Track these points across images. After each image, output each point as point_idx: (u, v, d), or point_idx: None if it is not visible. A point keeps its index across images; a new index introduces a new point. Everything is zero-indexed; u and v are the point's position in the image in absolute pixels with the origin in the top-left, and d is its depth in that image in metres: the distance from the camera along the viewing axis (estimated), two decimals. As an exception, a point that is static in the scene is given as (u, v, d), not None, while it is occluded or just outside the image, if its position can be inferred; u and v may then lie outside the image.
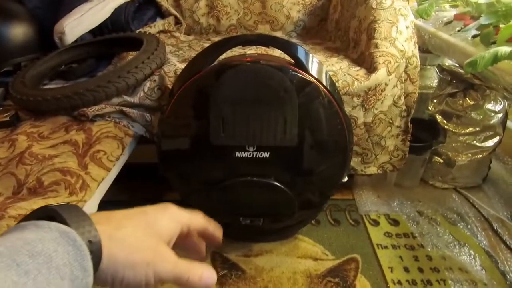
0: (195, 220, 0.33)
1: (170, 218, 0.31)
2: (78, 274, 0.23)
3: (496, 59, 0.65)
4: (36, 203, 0.51)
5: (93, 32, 1.04)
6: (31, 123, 0.75)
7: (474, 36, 0.88)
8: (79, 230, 0.25)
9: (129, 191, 1.05)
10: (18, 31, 0.97)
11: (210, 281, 0.30)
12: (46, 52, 0.96)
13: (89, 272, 0.24)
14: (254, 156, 0.71)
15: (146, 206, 0.31)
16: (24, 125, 0.74)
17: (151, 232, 0.29)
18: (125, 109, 0.79)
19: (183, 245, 0.34)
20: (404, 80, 0.89)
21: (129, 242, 0.27)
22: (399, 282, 0.80)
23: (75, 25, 0.99)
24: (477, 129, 1.02)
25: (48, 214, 0.25)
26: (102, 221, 0.27)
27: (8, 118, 0.76)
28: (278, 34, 1.28)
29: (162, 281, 0.28)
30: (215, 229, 0.35)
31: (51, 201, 0.53)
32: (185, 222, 0.32)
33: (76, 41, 1.00)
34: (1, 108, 0.80)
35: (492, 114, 0.99)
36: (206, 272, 0.30)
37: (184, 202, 0.84)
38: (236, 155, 0.71)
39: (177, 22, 1.26)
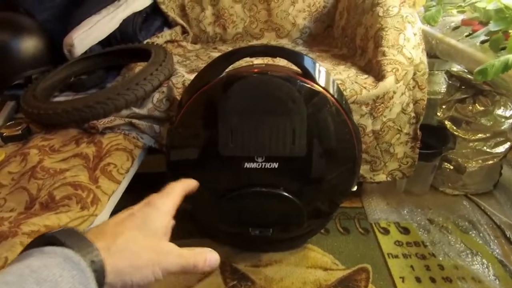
0: (175, 198, 0.36)
1: (158, 212, 0.33)
2: None
3: (506, 67, 0.64)
4: (49, 219, 0.52)
5: (101, 43, 1.06)
6: (42, 136, 0.76)
7: (482, 42, 0.87)
8: (81, 252, 0.25)
9: (139, 200, 1.05)
10: (29, 44, 0.98)
11: (214, 262, 0.32)
12: (56, 64, 0.98)
13: None
14: (263, 166, 0.71)
15: (131, 208, 0.33)
16: (35, 139, 0.75)
17: (146, 232, 0.31)
18: (134, 121, 0.80)
19: None
20: (413, 87, 0.88)
21: (129, 250, 0.28)
22: (411, 292, 0.79)
23: (84, 37, 1.00)
24: (487, 135, 1.01)
25: (48, 241, 0.26)
26: (99, 237, 0.28)
27: (20, 132, 0.77)
28: (284, 41, 1.28)
29: (171, 273, 0.30)
30: (189, 185, 0.39)
31: (63, 216, 0.54)
32: (171, 208, 0.34)
33: (85, 52, 1.02)
34: (13, 122, 0.82)
35: (503, 119, 0.98)
36: (209, 255, 0.32)
37: (193, 213, 0.85)
38: (245, 166, 0.71)
39: (184, 31, 1.27)
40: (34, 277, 0.22)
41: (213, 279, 0.82)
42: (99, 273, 0.26)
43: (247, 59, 0.95)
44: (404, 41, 0.87)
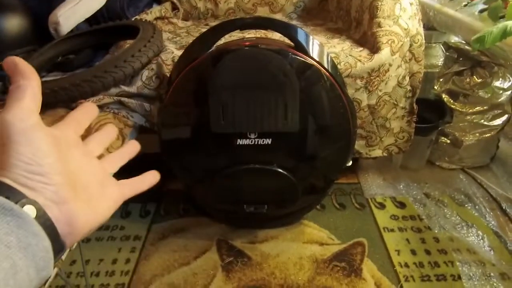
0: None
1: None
2: (30, 240, 0.22)
3: (505, 34, 0.62)
4: (37, 198, 0.51)
5: (88, 21, 1.02)
6: (30, 117, 0.74)
7: (481, 11, 0.84)
8: (13, 199, 0.22)
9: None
10: (13, 23, 0.95)
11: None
12: (42, 44, 0.95)
13: (41, 236, 0.23)
14: (256, 143, 0.70)
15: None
16: (23, 119, 0.73)
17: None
18: (124, 99, 0.78)
19: None
20: (409, 59, 0.86)
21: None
22: (406, 265, 0.80)
23: (70, 15, 0.96)
24: (485, 107, 0.99)
25: None
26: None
27: (6, 113, 0.75)
28: (278, 16, 1.25)
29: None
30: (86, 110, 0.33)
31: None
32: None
33: (72, 31, 0.98)
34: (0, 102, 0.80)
35: (501, 91, 0.97)
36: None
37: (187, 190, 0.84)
38: (238, 143, 0.70)
39: (174, 7, 1.23)
40: None
41: (209, 255, 0.83)
42: (43, 220, 0.23)
43: (239, 34, 0.93)
44: (400, 11, 0.84)
